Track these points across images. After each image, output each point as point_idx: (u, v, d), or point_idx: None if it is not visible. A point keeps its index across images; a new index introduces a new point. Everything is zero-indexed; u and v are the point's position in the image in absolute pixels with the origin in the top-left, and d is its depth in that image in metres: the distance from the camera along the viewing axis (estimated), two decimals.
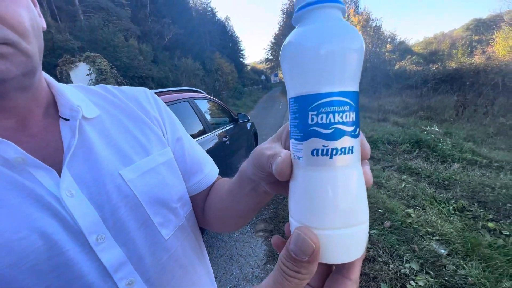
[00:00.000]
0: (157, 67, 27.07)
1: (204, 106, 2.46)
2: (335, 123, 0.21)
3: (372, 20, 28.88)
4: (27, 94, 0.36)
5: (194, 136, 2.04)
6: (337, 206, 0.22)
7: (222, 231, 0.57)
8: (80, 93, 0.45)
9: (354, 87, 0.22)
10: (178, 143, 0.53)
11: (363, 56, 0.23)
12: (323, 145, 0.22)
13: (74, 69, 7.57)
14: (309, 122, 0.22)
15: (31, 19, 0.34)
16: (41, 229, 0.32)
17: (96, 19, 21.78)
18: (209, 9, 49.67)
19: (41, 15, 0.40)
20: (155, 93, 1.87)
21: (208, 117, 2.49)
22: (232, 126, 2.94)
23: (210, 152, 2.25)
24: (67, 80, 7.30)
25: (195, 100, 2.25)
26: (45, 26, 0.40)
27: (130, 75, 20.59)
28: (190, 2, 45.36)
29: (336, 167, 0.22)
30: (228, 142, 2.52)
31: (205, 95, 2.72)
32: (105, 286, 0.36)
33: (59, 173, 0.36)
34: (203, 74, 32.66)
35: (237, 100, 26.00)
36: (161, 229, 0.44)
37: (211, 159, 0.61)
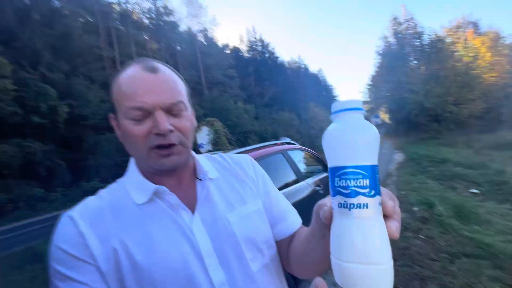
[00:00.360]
0: (258, 122, 31.09)
1: (297, 156, 2.60)
2: (351, 186, 0.31)
3: (503, 37, 23.19)
4: (184, 167, 0.60)
5: (287, 185, 2.17)
6: (353, 245, 0.30)
7: (304, 276, 0.61)
8: (207, 161, 0.67)
9: (368, 162, 0.32)
10: (267, 196, 0.66)
11: (378, 142, 0.33)
12: (344, 201, 0.31)
13: (199, 131, 10.40)
14: (336, 184, 0.33)
15: (192, 125, 0.57)
16: (181, 249, 0.51)
17: (215, 91, 28.32)
18: (302, 66, 54.83)
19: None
20: (255, 148, 2.19)
21: (302, 167, 2.61)
22: (325, 174, 2.93)
23: (303, 200, 2.31)
24: (194, 140, 9.98)
25: (288, 152, 2.46)
26: (196, 124, 0.66)
27: (237, 131, 24.50)
28: (286, 64, 51.87)
29: (354, 217, 0.31)
30: (321, 191, 2.51)
31: (298, 146, 2.89)
32: None
33: (193, 213, 0.55)
34: (298, 124, 34.56)
35: None
36: (251, 263, 0.55)
37: (295, 210, 0.70)
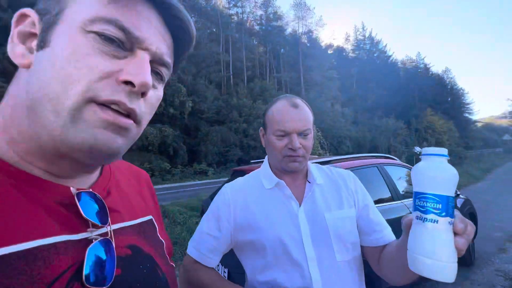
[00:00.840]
0: (356, 127, 28.67)
1: (396, 173, 2.39)
2: (427, 206, 0.44)
3: None
4: (300, 170, 0.82)
5: (381, 201, 2.07)
6: (423, 244, 0.44)
7: (394, 281, 0.71)
8: (317, 170, 0.88)
9: (443, 192, 0.44)
10: (365, 208, 0.81)
11: (455, 181, 0.44)
12: (420, 215, 0.45)
13: (310, 137, 10.71)
14: (416, 203, 0.47)
15: (312, 143, 0.80)
16: (288, 227, 0.75)
17: (312, 93, 28.09)
18: (421, 65, 45.88)
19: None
20: (349, 158, 2.18)
21: (402, 184, 2.39)
22: None
23: (397, 220, 2.09)
24: None
25: (384, 166, 2.30)
26: (313, 141, 0.84)
27: (331, 136, 23.54)
28: (399, 63, 44.91)
29: (427, 227, 0.44)
30: None
31: (398, 161, 2.62)
32: (303, 268, 0.71)
33: (300, 205, 0.79)
34: (406, 134, 29.43)
35: (455, 166, 20.07)
36: (336, 254, 0.74)
37: (389, 227, 0.80)
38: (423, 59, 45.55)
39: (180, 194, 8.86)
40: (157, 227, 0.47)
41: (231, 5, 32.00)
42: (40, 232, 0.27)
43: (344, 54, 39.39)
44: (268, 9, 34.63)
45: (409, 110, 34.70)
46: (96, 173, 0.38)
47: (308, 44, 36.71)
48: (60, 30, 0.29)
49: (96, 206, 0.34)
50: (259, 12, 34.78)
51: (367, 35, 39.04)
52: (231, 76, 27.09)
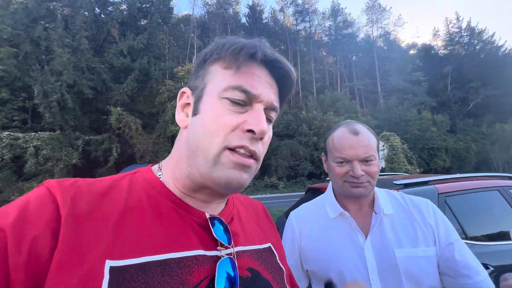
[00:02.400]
0: (453, 137, 23.51)
1: None
2: None
3: None
4: (366, 198, 0.78)
5: (505, 238, 1.54)
6: None
7: None
8: (386, 196, 0.80)
9: None
10: (449, 246, 0.69)
11: None
12: None
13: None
14: None
15: (378, 168, 0.76)
16: (353, 261, 0.71)
17: (392, 100, 24.95)
18: None
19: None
20: (456, 178, 1.74)
21: None
22: None
23: None
24: None
25: (510, 190, 1.72)
26: (379, 166, 0.78)
27: (419, 147, 20.05)
28: None
29: None
30: None
31: None
32: None
33: (366, 238, 0.73)
34: None
35: None
36: None
37: (485, 273, 0.65)
38: None
39: None
40: (276, 254, 0.51)
41: (299, 21, 32.62)
42: (187, 245, 0.37)
43: (432, 52, 33.73)
44: (337, 18, 33.58)
45: None
46: (223, 203, 0.47)
47: (385, 48, 33.38)
48: (205, 100, 0.41)
49: (222, 230, 0.42)
50: (328, 23, 34.11)
51: (463, 26, 32.39)
52: (300, 90, 27.13)
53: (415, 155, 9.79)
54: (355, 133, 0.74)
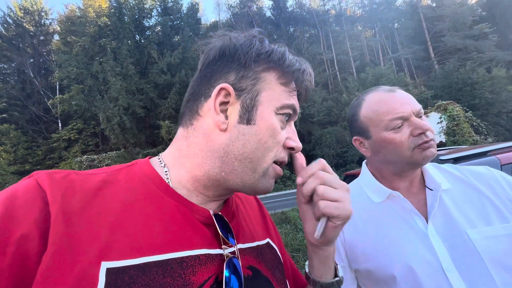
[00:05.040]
0: None
1: None
2: None
3: None
4: (414, 171, 0.66)
5: None
6: None
7: None
8: (437, 171, 0.68)
9: None
10: None
11: None
12: None
13: (426, 119, 8.34)
14: None
15: None
16: (418, 251, 0.59)
17: (451, 62, 21.50)
18: None
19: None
20: (499, 149, 1.40)
21: None
22: None
23: None
24: None
25: None
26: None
27: (494, 112, 16.83)
28: None
29: None
30: None
31: None
32: None
33: (426, 221, 0.61)
34: None
35: None
36: (498, 283, 0.52)
37: None
38: None
39: None
40: (276, 248, 0.50)
41: (326, 0, 30.67)
42: (189, 244, 0.36)
43: None
44: None
45: None
46: (223, 200, 0.46)
47: (433, 5, 28.97)
48: (261, 111, 0.39)
49: (224, 228, 0.41)
50: None
51: None
52: (337, 72, 25.53)
53: (484, 122, 8.11)
54: (393, 90, 0.66)
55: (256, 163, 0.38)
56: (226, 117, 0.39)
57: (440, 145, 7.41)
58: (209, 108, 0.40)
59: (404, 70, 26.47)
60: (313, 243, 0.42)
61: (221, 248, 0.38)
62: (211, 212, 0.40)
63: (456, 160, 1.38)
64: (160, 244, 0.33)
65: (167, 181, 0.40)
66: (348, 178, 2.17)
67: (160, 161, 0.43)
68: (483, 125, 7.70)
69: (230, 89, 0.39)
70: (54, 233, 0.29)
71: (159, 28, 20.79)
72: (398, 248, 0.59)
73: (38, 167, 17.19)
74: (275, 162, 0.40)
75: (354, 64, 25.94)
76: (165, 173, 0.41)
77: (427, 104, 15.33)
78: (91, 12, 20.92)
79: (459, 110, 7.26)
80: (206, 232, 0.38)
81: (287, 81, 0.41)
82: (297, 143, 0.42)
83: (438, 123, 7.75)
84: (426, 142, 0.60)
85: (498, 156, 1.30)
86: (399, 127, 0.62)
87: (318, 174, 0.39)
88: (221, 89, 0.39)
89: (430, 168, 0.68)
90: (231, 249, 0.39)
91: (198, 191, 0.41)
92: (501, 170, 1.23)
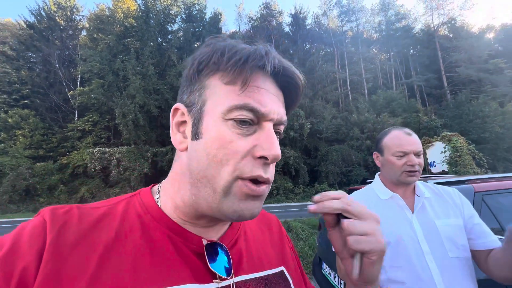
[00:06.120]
0: None
1: None
2: None
3: None
4: (405, 185, 1.03)
5: None
6: None
7: (501, 278, 0.81)
8: (423, 185, 1.05)
9: None
10: (470, 219, 0.95)
11: None
12: None
13: (430, 147, 8.82)
14: None
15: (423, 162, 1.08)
16: (406, 230, 0.94)
17: (464, 94, 21.62)
18: None
19: None
20: (503, 177, 1.67)
21: None
22: None
23: None
24: (424, 156, 8.55)
25: None
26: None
27: (504, 147, 16.78)
28: None
29: None
30: None
31: None
32: (422, 260, 0.87)
33: (412, 213, 0.97)
34: None
35: None
36: (448, 251, 0.88)
37: (495, 236, 0.91)
38: None
39: (302, 212, 9.22)
40: (290, 279, 0.45)
41: (344, 21, 31.49)
42: (178, 279, 0.33)
43: None
44: (388, 12, 31.24)
45: None
46: (227, 224, 0.43)
47: (450, 36, 29.36)
48: (206, 122, 0.35)
49: (225, 257, 0.38)
50: (377, 19, 31.99)
51: None
52: (349, 92, 25.90)
53: (486, 157, 8.32)
54: (409, 134, 1.02)
55: (213, 181, 0.34)
56: (185, 137, 0.38)
57: (442, 173, 7.64)
58: None
59: (416, 96, 26.64)
60: (355, 284, 0.38)
61: (213, 282, 0.36)
62: (204, 242, 0.38)
63: (442, 184, 1.65)
64: (146, 279, 0.32)
65: (162, 210, 0.39)
66: (352, 192, 2.43)
67: (158, 188, 0.42)
68: (484, 159, 7.90)
69: (181, 106, 0.38)
70: (44, 262, 0.29)
71: (181, 33, 21.75)
72: (394, 227, 0.93)
73: (51, 153, 17.84)
74: (241, 178, 0.34)
75: (366, 85, 26.32)
76: (156, 200, 0.40)
77: (436, 132, 15.45)
78: (119, 13, 22.08)
79: (462, 142, 7.51)
80: (198, 264, 0.36)
81: (232, 78, 0.34)
82: (266, 151, 0.34)
83: (442, 152, 8.03)
84: (412, 171, 0.97)
85: (474, 185, 1.58)
86: (400, 157, 0.99)
87: (343, 199, 0.36)
88: (175, 109, 0.39)
89: (419, 183, 1.06)
90: (226, 283, 0.36)
91: (190, 221, 0.39)
92: (474, 196, 1.50)
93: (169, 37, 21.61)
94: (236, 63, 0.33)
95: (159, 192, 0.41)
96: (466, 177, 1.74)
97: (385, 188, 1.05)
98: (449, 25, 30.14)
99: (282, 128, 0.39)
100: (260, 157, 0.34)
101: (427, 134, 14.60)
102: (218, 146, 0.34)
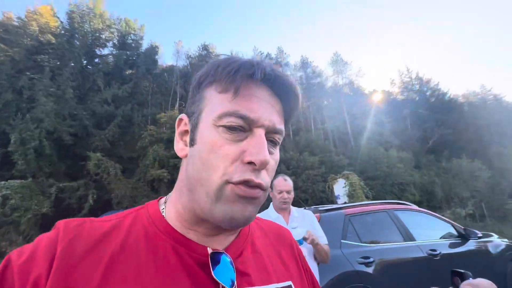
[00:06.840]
0: (419, 172, 25.60)
1: (411, 218, 2.60)
2: None
3: None
4: (287, 209, 1.80)
5: (390, 242, 2.38)
6: None
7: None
8: (294, 209, 1.81)
9: None
10: (314, 228, 1.62)
11: None
12: None
13: (335, 183, 11.11)
14: None
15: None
16: None
17: (362, 139, 27.35)
18: (490, 97, 40.81)
19: None
20: (361, 204, 2.58)
21: (421, 230, 2.56)
22: (453, 242, 2.70)
23: (409, 262, 2.21)
24: (331, 191, 10.98)
25: (395, 211, 2.54)
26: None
27: (389, 183, 21.52)
28: (459, 98, 41.01)
29: None
30: (437, 258, 2.32)
31: (413, 207, 2.83)
32: None
33: (287, 223, 1.76)
34: (490, 176, 24.60)
35: None
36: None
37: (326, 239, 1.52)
38: (489, 90, 40.85)
39: None
40: None
41: None
42: None
43: (391, 97, 38.51)
44: (307, 69, 38.05)
45: (486, 149, 29.83)
46: (234, 234, 0.43)
47: (351, 94, 37.55)
48: (201, 129, 0.38)
49: (229, 268, 0.38)
50: (299, 74, 38.37)
51: (413, 76, 38.12)
52: None
53: (371, 191, 11.31)
54: (285, 179, 1.73)
55: (206, 185, 0.35)
56: (186, 145, 0.40)
57: (344, 203, 9.66)
58: None
59: (329, 139, 31.90)
60: None
61: None
62: (209, 250, 0.37)
63: (326, 210, 2.35)
64: None
65: (166, 219, 0.39)
66: None
67: (165, 199, 0.43)
68: (370, 192, 10.41)
69: (185, 117, 0.42)
70: (54, 270, 0.31)
71: (112, 59, 20.60)
72: None
73: None
74: (231, 183, 0.34)
75: (291, 127, 30.10)
76: (162, 210, 0.41)
77: (344, 169, 18.80)
78: (34, 25, 19.51)
79: (355, 180, 9.87)
80: (201, 276, 0.36)
81: (224, 86, 0.36)
82: (254, 156, 0.34)
83: (343, 187, 10.20)
84: (284, 201, 1.69)
85: (345, 210, 2.32)
86: (280, 192, 1.69)
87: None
88: (179, 119, 0.42)
89: (293, 208, 1.66)
90: None
91: (191, 228, 0.39)
92: (344, 218, 2.20)
93: (96, 60, 20.08)
94: (229, 72, 0.36)
95: (165, 202, 0.42)
96: (340, 205, 2.51)
97: (274, 211, 1.72)
98: (349, 85, 38.76)
99: (277, 137, 0.40)
100: (249, 163, 0.35)
101: (337, 171, 17.53)
102: (209, 150, 0.35)
